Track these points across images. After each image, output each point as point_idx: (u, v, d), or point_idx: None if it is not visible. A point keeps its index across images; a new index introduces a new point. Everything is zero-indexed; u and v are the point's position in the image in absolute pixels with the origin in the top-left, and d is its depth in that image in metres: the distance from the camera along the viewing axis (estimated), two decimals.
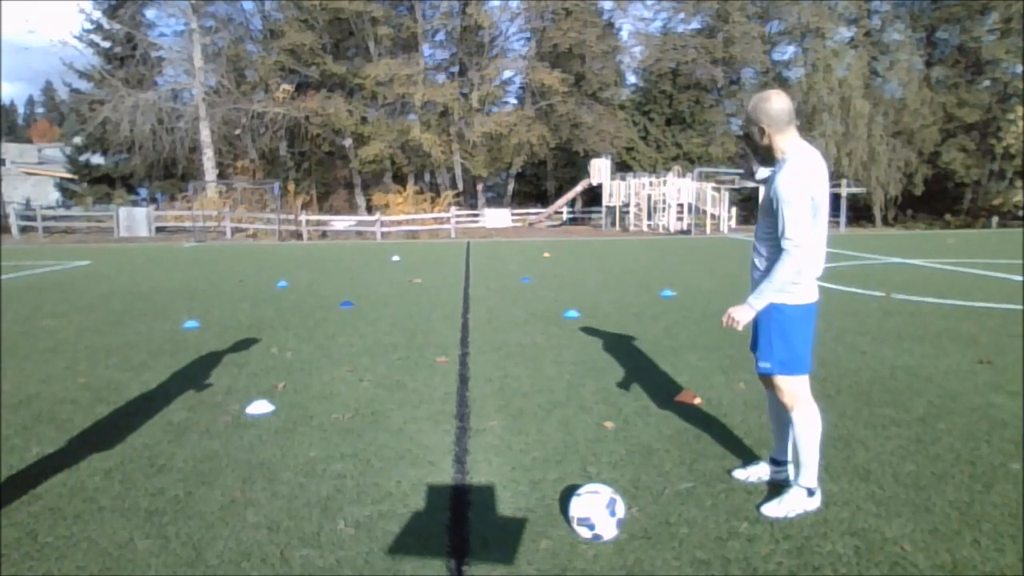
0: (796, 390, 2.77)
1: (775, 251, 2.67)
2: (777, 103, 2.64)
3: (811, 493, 2.79)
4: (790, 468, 2.99)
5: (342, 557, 2.50)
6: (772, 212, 2.64)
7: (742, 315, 2.70)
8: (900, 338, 6.13)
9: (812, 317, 2.77)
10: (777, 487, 2.98)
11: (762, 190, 2.85)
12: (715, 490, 3.01)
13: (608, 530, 2.57)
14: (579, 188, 34.67)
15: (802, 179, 2.58)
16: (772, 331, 2.74)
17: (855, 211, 34.70)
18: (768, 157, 2.76)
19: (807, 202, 2.58)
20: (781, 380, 2.77)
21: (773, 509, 2.77)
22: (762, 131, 2.66)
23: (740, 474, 3.13)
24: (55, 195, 38.15)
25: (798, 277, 2.66)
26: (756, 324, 2.82)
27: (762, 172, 3.17)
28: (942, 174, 36.27)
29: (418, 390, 4.63)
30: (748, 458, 3.34)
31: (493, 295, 9.26)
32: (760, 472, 3.11)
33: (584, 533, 2.59)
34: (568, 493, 2.83)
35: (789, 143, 2.67)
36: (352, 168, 37.36)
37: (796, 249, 2.57)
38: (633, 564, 2.43)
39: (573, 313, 7.50)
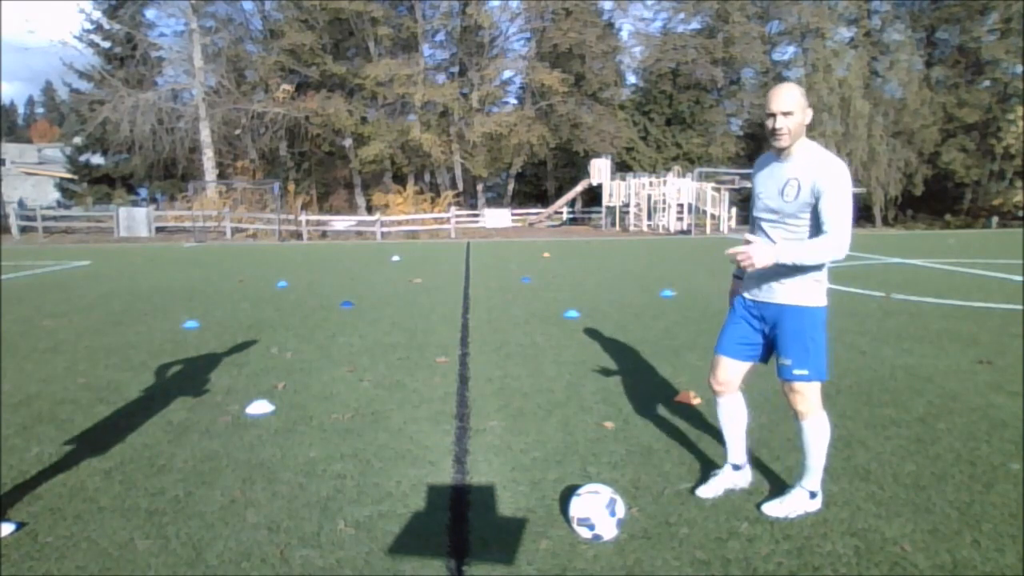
0: (815, 397, 2.71)
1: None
2: None
3: (813, 496, 2.79)
4: (748, 468, 3.02)
5: (342, 557, 2.50)
6: (807, 206, 2.58)
7: (763, 257, 2.49)
8: (900, 338, 6.13)
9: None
10: (778, 487, 2.98)
11: (766, 187, 2.78)
12: None
13: (608, 530, 2.57)
14: (579, 188, 34.66)
15: (847, 173, 2.58)
16: (806, 335, 2.65)
17: (855, 211, 34.67)
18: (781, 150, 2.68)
19: (851, 193, 2.59)
20: (808, 386, 2.68)
21: (774, 509, 2.77)
22: (807, 117, 2.63)
23: (706, 492, 2.94)
24: (55, 195, 38.13)
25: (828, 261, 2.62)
26: (775, 330, 2.72)
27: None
28: (942, 174, 36.31)
29: (418, 390, 4.63)
30: (748, 458, 3.32)
31: (493, 295, 9.26)
32: (726, 481, 2.98)
33: (584, 533, 2.59)
34: (568, 493, 2.83)
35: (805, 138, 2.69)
36: (352, 168, 37.35)
37: (845, 237, 2.53)
38: (633, 564, 2.43)
39: (573, 313, 7.50)
